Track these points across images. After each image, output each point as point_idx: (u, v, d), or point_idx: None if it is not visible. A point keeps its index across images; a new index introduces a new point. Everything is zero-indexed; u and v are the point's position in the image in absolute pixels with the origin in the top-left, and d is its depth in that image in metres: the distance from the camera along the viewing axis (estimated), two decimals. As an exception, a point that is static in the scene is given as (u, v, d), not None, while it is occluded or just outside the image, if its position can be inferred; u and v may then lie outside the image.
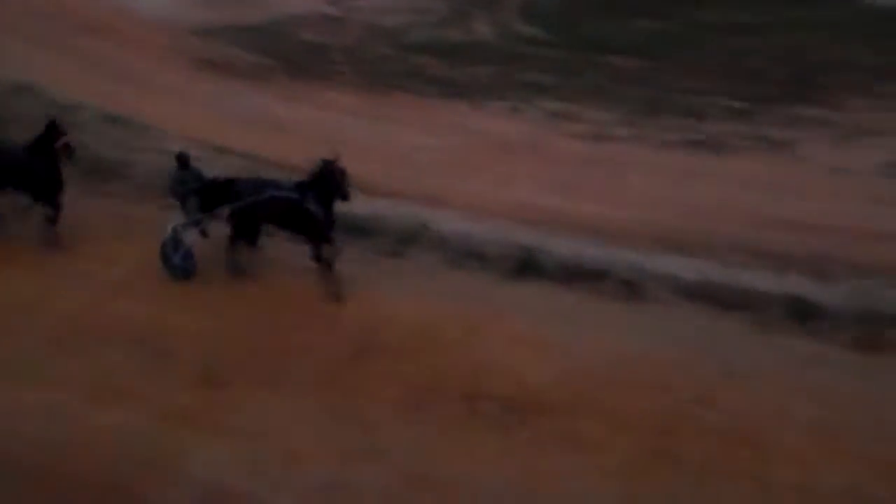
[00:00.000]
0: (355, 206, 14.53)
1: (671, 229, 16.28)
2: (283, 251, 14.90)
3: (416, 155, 19.68)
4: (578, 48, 26.71)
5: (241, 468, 11.30)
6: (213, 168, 15.61)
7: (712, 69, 24.80)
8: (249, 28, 29.67)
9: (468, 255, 15.08)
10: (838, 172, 18.79)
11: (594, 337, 13.38)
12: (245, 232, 14.73)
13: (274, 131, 20.85)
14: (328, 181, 14.34)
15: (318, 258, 14.44)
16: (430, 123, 21.84)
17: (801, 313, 14.04)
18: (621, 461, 11.32)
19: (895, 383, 12.38)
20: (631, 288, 14.81)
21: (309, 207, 14.35)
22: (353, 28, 30.64)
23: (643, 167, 19.21)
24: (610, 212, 16.83)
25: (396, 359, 12.99)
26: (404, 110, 22.85)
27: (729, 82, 23.96)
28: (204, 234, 14.95)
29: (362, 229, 15.89)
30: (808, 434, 11.65)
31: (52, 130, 15.36)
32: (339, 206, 14.37)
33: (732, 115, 22.14)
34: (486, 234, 14.65)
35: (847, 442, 11.52)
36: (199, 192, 14.83)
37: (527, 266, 15.30)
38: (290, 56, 27.38)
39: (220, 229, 14.74)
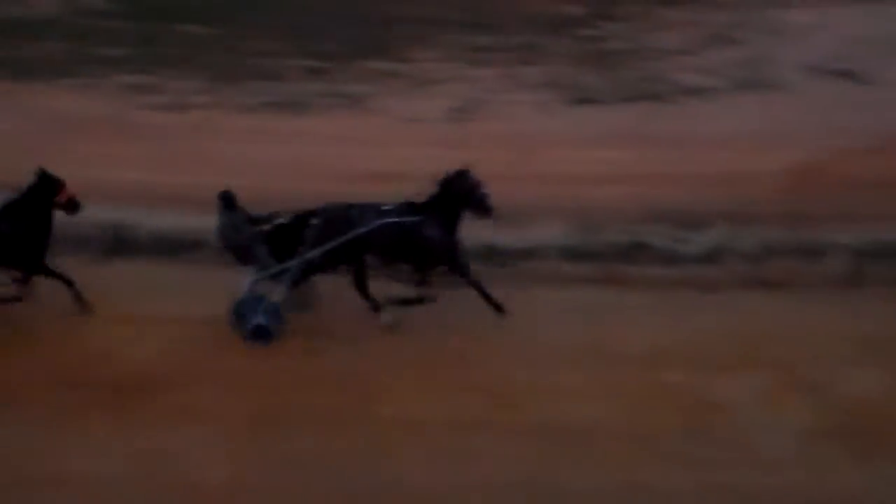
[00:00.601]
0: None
1: (259, 191, 16.46)
2: None
3: (-12, 141, 18.59)
4: (147, 19, 26.01)
5: None
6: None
7: (285, 31, 25.14)
8: None
9: (60, 240, 14.45)
10: (411, 121, 19.89)
11: (198, 307, 13.41)
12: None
13: None
14: (460, 197, 12.87)
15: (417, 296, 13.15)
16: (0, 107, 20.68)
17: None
18: (237, 425, 11.54)
19: (473, 314, 13.38)
20: (229, 254, 14.99)
21: (426, 233, 12.89)
22: None
23: (227, 133, 19.33)
24: (199, 180, 16.79)
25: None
26: (-32, 95, 21.44)
27: (302, 43, 24.46)
28: (295, 284, 13.16)
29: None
30: (407, 372, 12.43)
31: (47, 183, 13.11)
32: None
33: (308, 74, 22.72)
34: (75, 216, 14.13)
35: (440, 373, 12.42)
36: (268, 235, 13.17)
37: (120, 244, 15.10)
38: None
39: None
